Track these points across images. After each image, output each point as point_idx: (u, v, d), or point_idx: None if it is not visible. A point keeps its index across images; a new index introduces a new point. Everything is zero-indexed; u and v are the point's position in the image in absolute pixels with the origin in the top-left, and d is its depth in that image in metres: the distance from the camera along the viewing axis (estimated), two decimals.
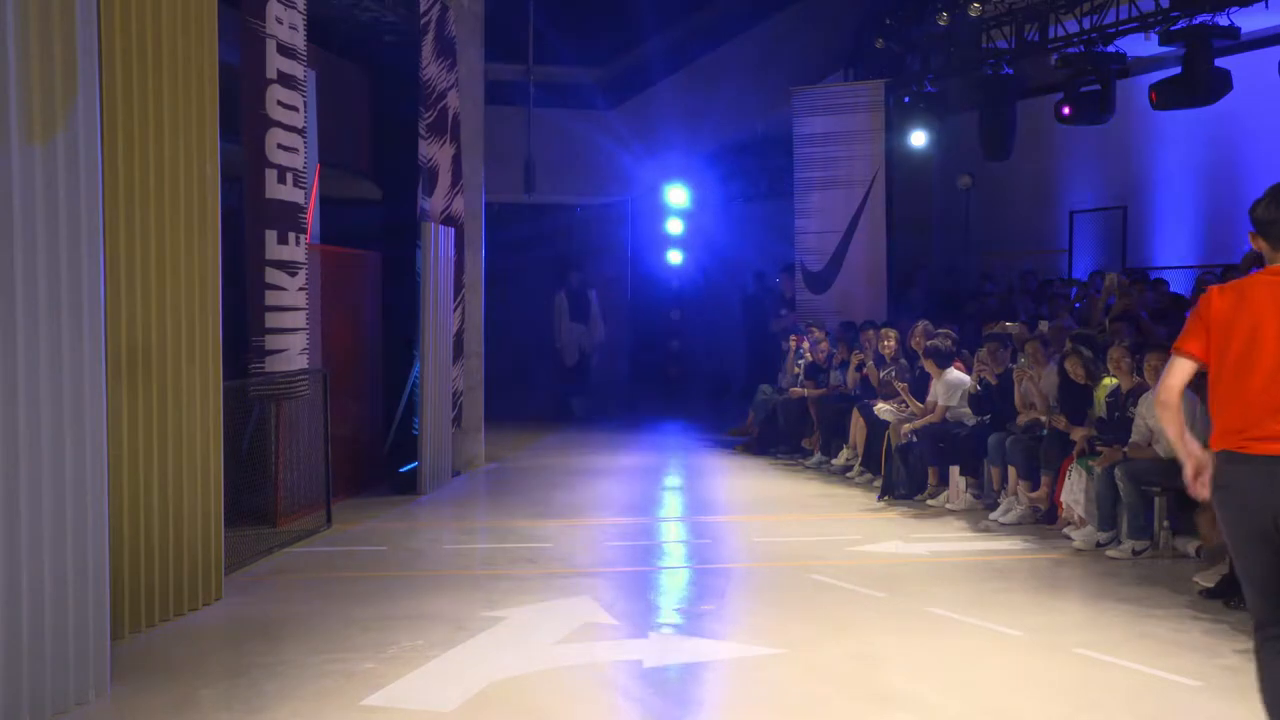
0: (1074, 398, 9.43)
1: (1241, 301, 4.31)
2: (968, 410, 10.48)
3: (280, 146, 8.87)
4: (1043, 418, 9.58)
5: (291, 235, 9.05)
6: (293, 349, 9.10)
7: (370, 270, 11.44)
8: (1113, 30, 12.38)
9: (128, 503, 6.16)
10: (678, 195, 22.60)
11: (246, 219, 8.69)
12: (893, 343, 12.10)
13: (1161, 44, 11.73)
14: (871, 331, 12.76)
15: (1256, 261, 10.84)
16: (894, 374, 11.60)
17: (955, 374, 10.63)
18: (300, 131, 9.15)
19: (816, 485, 11.86)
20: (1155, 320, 10.59)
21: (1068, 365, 9.44)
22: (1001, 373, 10.30)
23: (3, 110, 4.85)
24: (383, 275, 11.54)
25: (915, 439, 10.62)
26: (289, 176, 8.99)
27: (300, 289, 9.17)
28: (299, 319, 9.19)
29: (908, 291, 15.67)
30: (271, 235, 8.79)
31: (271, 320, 8.82)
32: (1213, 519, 7.87)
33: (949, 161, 16.43)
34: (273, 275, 8.83)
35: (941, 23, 14.33)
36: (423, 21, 10.89)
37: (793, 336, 14.42)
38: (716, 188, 21.99)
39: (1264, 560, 4.32)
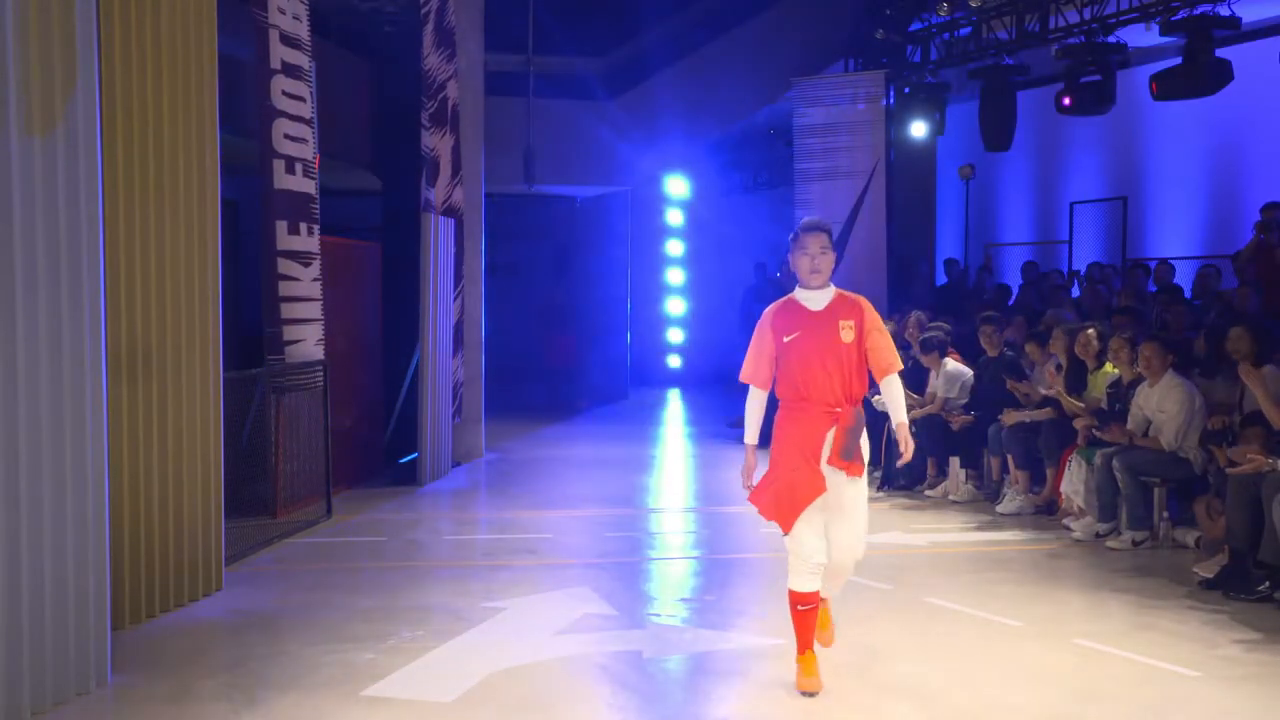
0: (1072, 385, 9.49)
1: None
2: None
3: (288, 137, 8.88)
4: (1046, 389, 9.59)
5: (303, 225, 9.05)
6: (309, 339, 9.11)
7: (370, 261, 11.44)
8: (1113, 20, 12.35)
9: (128, 493, 6.16)
10: (678, 186, 22.58)
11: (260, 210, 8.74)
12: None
13: (1162, 34, 11.71)
14: None
15: (1258, 251, 10.88)
16: None
17: (954, 365, 10.64)
18: (307, 122, 9.15)
19: None
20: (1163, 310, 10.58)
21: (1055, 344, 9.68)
22: (996, 355, 10.34)
23: (2, 102, 4.85)
24: (383, 266, 11.53)
25: (914, 430, 10.63)
26: (298, 167, 8.99)
27: (314, 279, 9.18)
28: (314, 309, 9.20)
29: (908, 282, 15.67)
30: (282, 226, 8.80)
31: (287, 311, 8.84)
32: (1211, 510, 7.91)
33: (949, 152, 16.41)
34: (285, 266, 8.84)
35: (942, 13, 14.31)
36: (423, 11, 10.88)
37: None
38: (717, 178, 22.00)
39: None
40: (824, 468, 5.38)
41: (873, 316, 5.56)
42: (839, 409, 5.40)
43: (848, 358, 5.44)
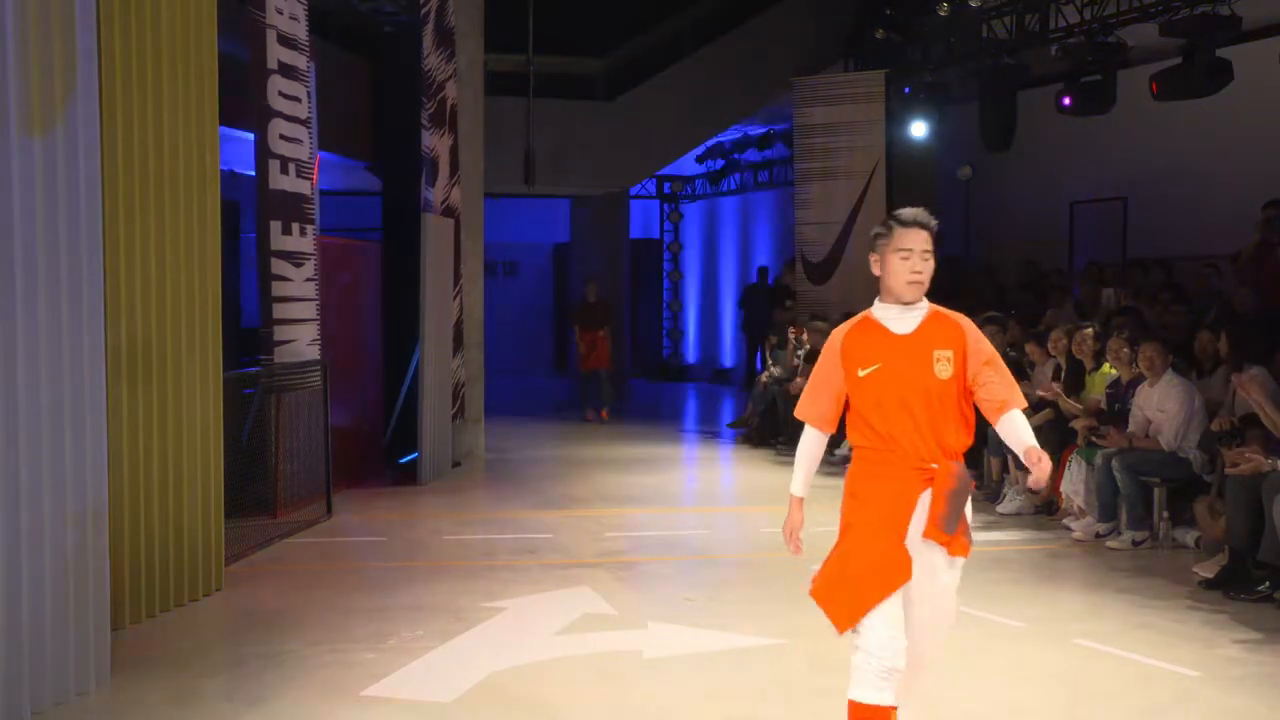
0: (1070, 385, 9.50)
1: None
2: None
3: (283, 137, 8.87)
4: (1044, 395, 9.61)
5: (296, 226, 9.05)
6: (301, 340, 9.11)
7: (370, 261, 11.44)
8: (1114, 20, 12.35)
9: (128, 493, 6.16)
10: (677, 186, 22.57)
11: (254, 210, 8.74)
12: None
13: (1162, 34, 11.70)
14: None
15: (1259, 251, 10.87)
16: None
17: None
18: (304, 122, 9.14)
19: (817, 476, 11.78)
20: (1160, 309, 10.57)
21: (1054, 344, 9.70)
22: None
23: (2, 102, 4.85)
24: (383, 266, 11.54)
25: None
26: (292, 167, 8.99)
27: (308, 280, 9.18)
28: (308, 310, 9.20)
29: None
30: (276, 226, 8.80)
31: (278, 311, 8.84)
32: (1211, 510, 7.91)
33: (949, 152, 16.41)
34: (278, 266, 8.84)
35: (942, 13, 14.30)
36: (423, 11, 10.88)
37: (791, 328, 14.43)
38: (716, 178, 22.01)
39: None
40: (912, 543, 4.01)
41: (978, 342, 4.11)
42: (934, 465, 4.03)
43: (944, 399, 4.04)
